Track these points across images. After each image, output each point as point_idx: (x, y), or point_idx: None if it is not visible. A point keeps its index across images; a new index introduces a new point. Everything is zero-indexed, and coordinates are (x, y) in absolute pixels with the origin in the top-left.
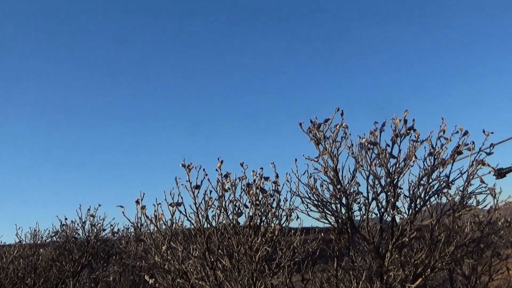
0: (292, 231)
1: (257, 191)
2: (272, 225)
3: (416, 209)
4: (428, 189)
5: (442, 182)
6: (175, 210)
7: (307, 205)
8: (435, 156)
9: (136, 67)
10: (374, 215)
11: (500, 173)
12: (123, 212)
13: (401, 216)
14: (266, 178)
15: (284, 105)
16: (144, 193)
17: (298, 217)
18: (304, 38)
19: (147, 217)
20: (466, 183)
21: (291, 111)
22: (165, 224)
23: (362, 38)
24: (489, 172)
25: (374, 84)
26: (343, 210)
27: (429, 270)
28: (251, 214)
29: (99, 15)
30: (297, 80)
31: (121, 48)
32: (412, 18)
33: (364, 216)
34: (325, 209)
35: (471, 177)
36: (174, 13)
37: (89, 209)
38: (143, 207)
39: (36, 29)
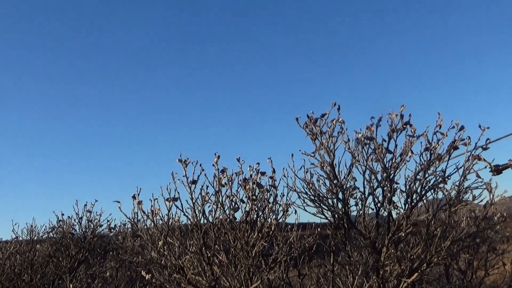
0: (289, 226)
1: (254, 186)
2: (269, 220)
3: (413, 204)
4: (424, 184)
5: (438, 177)
6: (171, 205)
7: (304, 200)
8: (431, 151)
9: (132, 61)
10: (370, 210)
11: (497, 170)
12: (119, 208)
13: (398, 211)
14: (263, 173)
15: (281, 100)
16: (140, 188)
17: (296, 212)
18: (301, 33)
19: (144, 212)
20: (462, 178)
21: (288, 106)
22: (161, 219)
23: (359, 33)
24: (485, 167)
25: (371, 79)
26: (340, 205)
27: (425, 265)
28: (247, 209)
29: (96, 8)
30: (294, 74)
31: (117, 42)
32: (408, 13)
33: (361, 211)
34: (321, 204)
35: (467, 172)
36: (170, 9)
37: (85, 205)
38: (139, 202)
39: (33, 23)
